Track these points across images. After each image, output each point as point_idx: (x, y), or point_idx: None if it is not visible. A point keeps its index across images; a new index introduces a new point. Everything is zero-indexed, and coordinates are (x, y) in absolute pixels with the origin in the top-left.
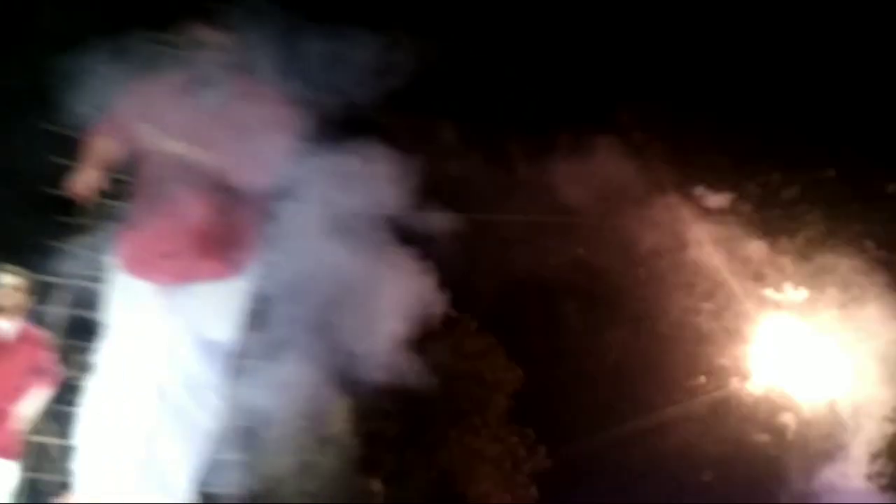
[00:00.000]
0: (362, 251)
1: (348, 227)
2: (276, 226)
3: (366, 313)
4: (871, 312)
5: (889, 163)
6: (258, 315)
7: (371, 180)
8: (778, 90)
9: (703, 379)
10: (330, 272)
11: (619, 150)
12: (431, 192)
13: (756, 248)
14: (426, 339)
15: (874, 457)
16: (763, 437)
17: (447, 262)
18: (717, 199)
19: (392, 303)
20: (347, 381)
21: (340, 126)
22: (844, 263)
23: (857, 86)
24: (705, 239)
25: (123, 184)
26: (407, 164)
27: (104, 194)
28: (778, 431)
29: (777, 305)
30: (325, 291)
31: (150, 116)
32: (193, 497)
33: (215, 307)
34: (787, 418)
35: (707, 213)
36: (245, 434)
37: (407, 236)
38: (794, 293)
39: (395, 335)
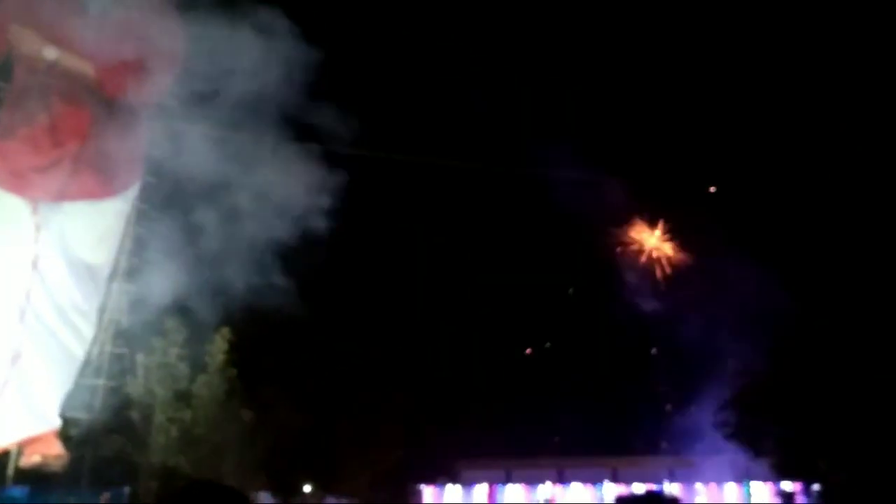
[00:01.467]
0: (246, 149)
1: (235, 122)
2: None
3: (246, 225)
4: None
5: None
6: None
7: (264, 56)
8: None
9: None
10: (208, 176)
11: None
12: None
13: None
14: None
15: None
16: None
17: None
18: None
19: (275, 214)
20: (222, 306)
21: None
22: None
23: None
24: None
25: None
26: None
27: None
28: None
29: None
30: (204, 199)
31: (28, 19)
32: (58, 420)
33: (90, 228)
34: None
35: None
36: (115, 360)
37: (302, 135)
38: None
39: (274, 253)
